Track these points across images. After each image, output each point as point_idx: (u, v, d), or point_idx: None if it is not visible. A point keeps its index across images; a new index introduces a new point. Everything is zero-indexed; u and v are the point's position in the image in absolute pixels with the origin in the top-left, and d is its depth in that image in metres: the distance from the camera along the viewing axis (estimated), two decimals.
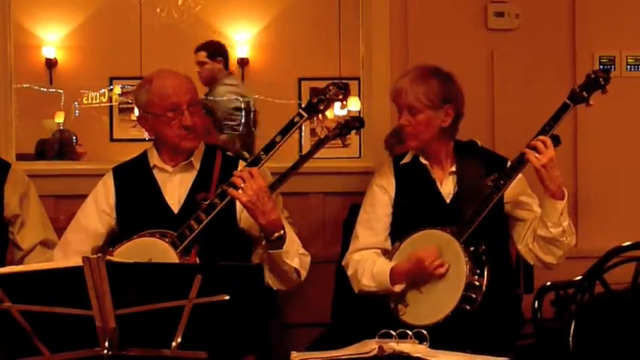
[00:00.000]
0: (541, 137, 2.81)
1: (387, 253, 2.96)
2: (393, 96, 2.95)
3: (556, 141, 2.87)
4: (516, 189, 2.91)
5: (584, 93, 2.91)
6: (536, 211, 2.91)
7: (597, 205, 4.01)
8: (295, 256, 2.78)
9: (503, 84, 4.03)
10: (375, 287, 2.90)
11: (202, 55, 5.49)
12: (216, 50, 5.60)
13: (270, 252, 2.73)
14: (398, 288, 2.84)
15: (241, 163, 2.88)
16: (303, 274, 2.83)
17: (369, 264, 2.93)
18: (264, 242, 2.76)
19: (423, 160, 3.01)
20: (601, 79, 2.90)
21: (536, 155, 2.77)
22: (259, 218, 2.69)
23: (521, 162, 2.83)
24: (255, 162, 2.78)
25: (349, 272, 3.00)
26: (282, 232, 2.72)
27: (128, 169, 2.99)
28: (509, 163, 2.92)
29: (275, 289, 2.80)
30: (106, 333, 2.08)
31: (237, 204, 2.77)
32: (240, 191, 2.67)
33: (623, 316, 3.11)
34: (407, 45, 4.00)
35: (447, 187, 2.97)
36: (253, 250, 2.90)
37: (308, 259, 2.86)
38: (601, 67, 3.93)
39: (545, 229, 2.82)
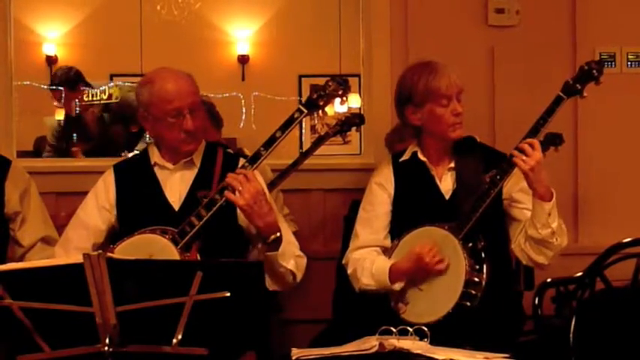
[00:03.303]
0: (529, 140, 2.79)
1: (387, 251, 2.96)
2: (445, 88, 2.87)
3: (559, 140, 2.86)
4: (513, 185, 2.91)
5: (577, 85, 2.90)
6: (530, 210, 2.90)
7: (598, 201, 4.01)
8: (291, 258, 2.78)
9: (503, 80, 4.03)
10: (374, 286, 2.90)
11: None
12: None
13: (266, 254, 2.73)
14: (398, 286, 2.84)
15: (242, 161, 2.88)
16: (299, 275, 2.82)
17: (368, 263, 2.92)
18: (260, 244, 2.76)
19: (421, 157, 3.00)
20: (594, 71, 2.89)
21: (524, 158, 2.75)
22: (256, 221, 2.69)
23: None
24: (254, 158, 2.77)
25: (349, 271, 3.00)
26: (278, 234, 2.72)
27: (129, 166, 2.98)
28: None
29: (270, 289, 2.80)
30: (106, 329, 2.08)
31: None
32: (237, 194, 2.67)
33: (623, 312, 3.11)
34: (407, 41, 4.00)
35: (446, 184, 2.97)
36: (250, 249, 2.89)
37: (304, 260, 2.85)
38: None
39: (534, 230, 2.82)
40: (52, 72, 5.78)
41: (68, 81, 5.66)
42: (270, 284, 2.77)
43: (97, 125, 5.53)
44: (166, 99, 2.78)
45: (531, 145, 2.77)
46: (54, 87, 5.88)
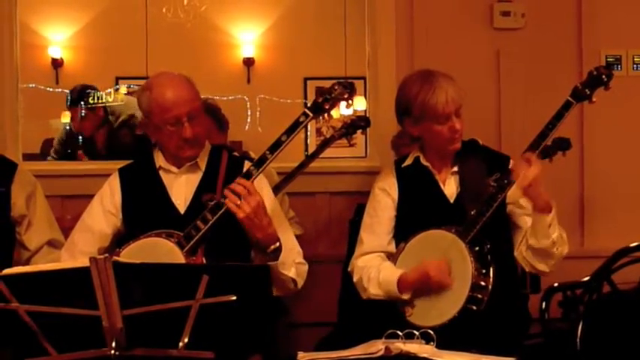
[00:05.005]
0: (526, 155, 2.77)
1: (392, 256, 2.95)
2: (442, 108, 2.83)
3: (566, 145, 2.85)
4: (517, 190, 2.89)
5: (586, 90, 2.89)
6: None
7: (604, 205, 4.00)
8: (292, 266, 2.78)
9: (509, 83, 4.03)
10: (382, 295, 2.89)
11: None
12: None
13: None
14: (406, 296, 2.84)
15: (247, 164, 2.87)
16: (300, 282, 2.83)
17: (374, 271, 2.92)
18: (259, 254, 2.76)
19: (424, 162, 3.00)
20: (603, 76, 2.89)
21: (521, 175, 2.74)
22: (256, 233, 2.69)
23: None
24: (260, 162, 2.77)
25: (354, 279, 3.00)
26: (277, 244, 2.72)
27: (134, 170, 2.98)
28: (511, 161, 2.92)
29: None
30: (113, 333, 2.08)
31: None
32: (237, 207, 2.67)
33: (630, 316, 3.10)
34: (413, 44, 4.00)
35: (450, 188, 2.97)
36: (255, 253, 2.88)
37: (305, 267, 2.86)
38: None
39: (535, 241, 2.82)
40: (70, 89, 5.79)
41: (82, 98, 5.67)
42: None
43: (106, 144, 5.53)
44: (164, 107, 2.76)
45: (528, 161, 2.75)
46: (59, 90, 5.89)
